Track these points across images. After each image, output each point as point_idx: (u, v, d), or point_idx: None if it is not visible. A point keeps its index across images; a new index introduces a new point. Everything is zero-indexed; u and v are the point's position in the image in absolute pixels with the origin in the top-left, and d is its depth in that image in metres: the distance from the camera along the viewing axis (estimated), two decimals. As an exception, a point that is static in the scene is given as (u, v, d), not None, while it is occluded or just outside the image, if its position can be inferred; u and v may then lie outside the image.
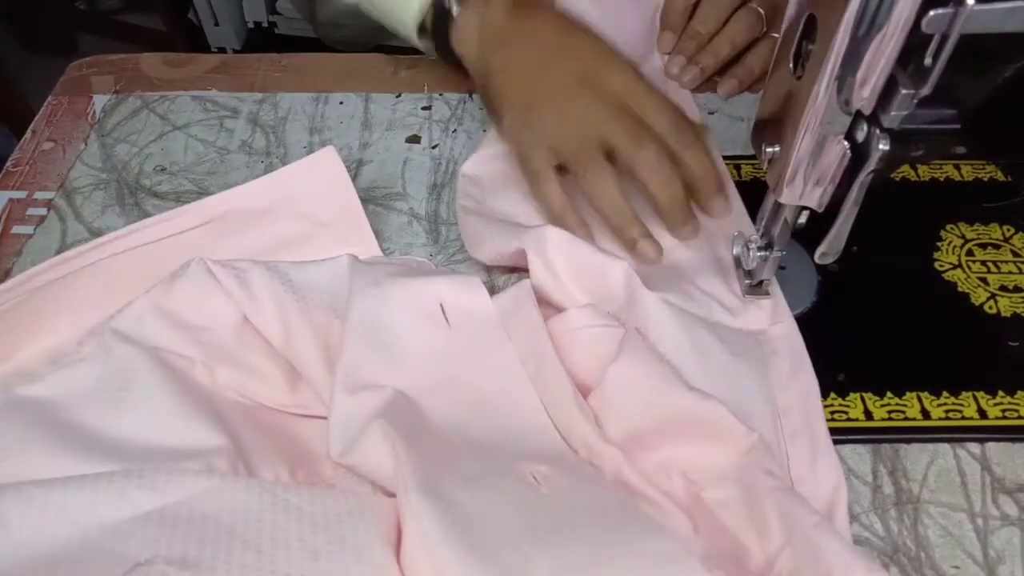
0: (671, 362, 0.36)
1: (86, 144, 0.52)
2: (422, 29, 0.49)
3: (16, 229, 0.47)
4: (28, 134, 0.53)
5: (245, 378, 0.37)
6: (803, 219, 0.37)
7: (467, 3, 0.47)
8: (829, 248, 0.35)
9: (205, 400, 0.35)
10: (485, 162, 0.47)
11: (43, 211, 0.48)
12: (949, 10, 0.25)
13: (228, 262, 0.38)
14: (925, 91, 0.28)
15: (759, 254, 0.39)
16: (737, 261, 0.42)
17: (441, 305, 0.37)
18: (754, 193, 0.40)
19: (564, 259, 0.39)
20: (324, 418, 0.34)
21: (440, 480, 0.31)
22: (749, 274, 0.41)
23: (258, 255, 0.39)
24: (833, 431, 0.36)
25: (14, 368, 0.37)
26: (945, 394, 0.38)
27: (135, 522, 0.29)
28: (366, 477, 0.33)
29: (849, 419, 0.37)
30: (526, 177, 0.44)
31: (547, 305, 0.39)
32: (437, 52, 0.50)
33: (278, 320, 0.36)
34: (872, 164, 0.30)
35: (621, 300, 0.38)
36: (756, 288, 0.41)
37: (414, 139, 0.52)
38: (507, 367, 0.36)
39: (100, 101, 0.55)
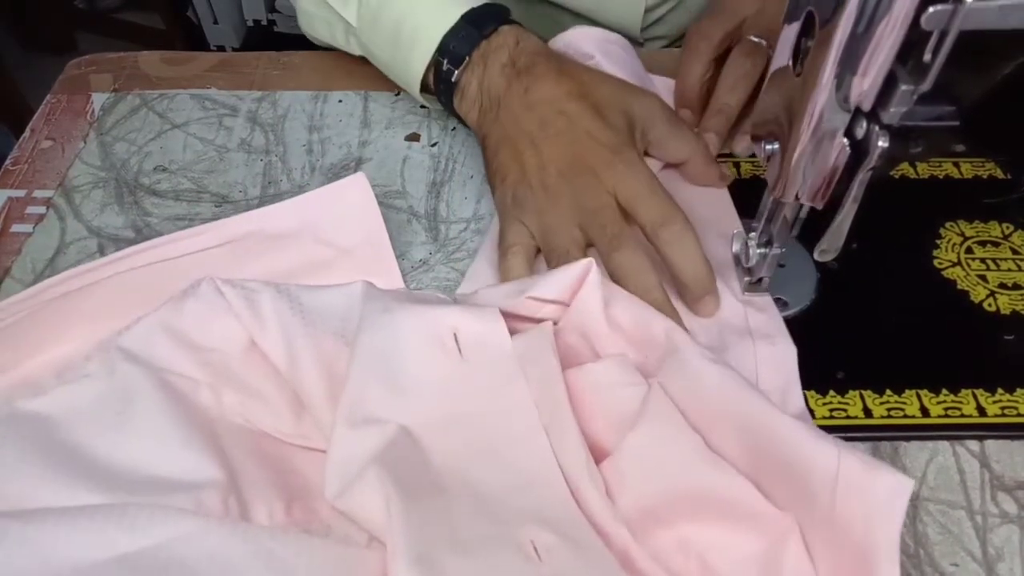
0: (700, 425, 0.32)
1: (85, 142, 0.52)
2: (426, 86, 0.48)
3: (15, 228, 0.47)
4: (27, 132, 0.53)
5: (250, 403, 0.36)
6: (803, 215, 0.37)
7: (467, 67, 0.46)
8: (829, 245, 0.35)
9: (206, 426, 0.34)
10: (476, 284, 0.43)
11: (42, 209, 0.48)
12: (948, 6, 0.25)
13: (239, 282, 0.37)
14: (925, 87, 0.27)
15: (758, 251, 0.39)
16: (736, 259, 0.42)
17: (455, 335, 0.35)
18: (753, 191, 0.40)
19: (608, 297, 0.36)
20: (325, 451, 0.33)
21: (432, 547, 0.29)
22: (748, 272, 0.41)
23: (277, 279, 0.38)
24: (832, 429, 0.36)
25: (21, 378, 0.36)
26: (944, 392, 0.38)
27: (109, 565, 0.28)
28: (359, 525, 0.32)
29: (848, 417, 0.37)
30: (499, 248, 0.43)
31: (568, 351, 0.36)
32: (446, 110, 0.49)
33: (283, 345, 0.35)
34: (872, 161, 0.30)
35: (660, 348, 0.35)
36: (755, 285, 0.41)
37: (413, 137, 0.52)
38: (520, 411, 0.33)
39: (99, 99, 0.55)
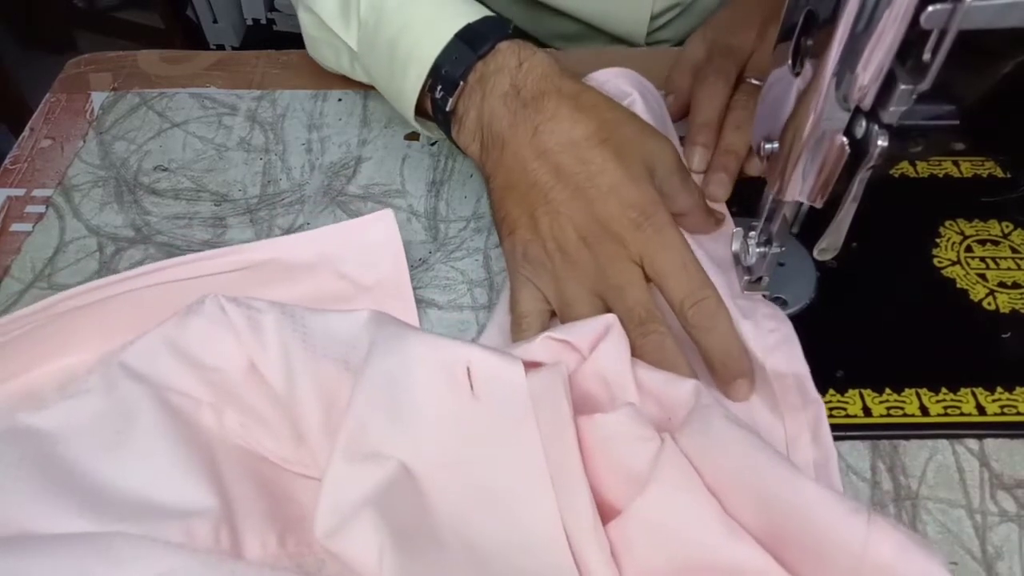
0: (718, 489, 0.29)
1: (84, 141, 0.52)
2: (425, 113, 0.44)
3: (15, 227, 0.47)
4: (26, 131, 0.53)
5: (251, 425, 0.35)
6: (802, 213, 0.37)
7: (463, 93, 0.41)
8: (829, 244, 0.35)
9: (204, 449, 0.33)
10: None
11: (42, 208, 0.48)
12: (948, 6, 0.25)
13: (244, 300, 0.35)
14: (924, 86, 0.27)
15: (758, 250, 0.39)
16: (736, 258, 0.42)
17: (468, 368, 0.33)
18: (753, 190, 0.40)
19: (633, 360, 0.34)
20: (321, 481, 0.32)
21: None
22: (748, 270, 0.41)
23: None
24: (832, 428, 0.36)
25: (25, 388, 0.36)
26: (944, 390, 0.38)
27: None
28: (348, 567, 0.30)
29: (848, 416, 0.37)
30: (511, 314, 0.39)
31: (586, 397, 0.34)
32: (449, 138, 0.44)
33: (282, 369, 0.34)
34: (871, 160, 0.30)
35: (685, 407, 0.32)
36: (755, 284, 0.41)
37: (413, 136, 0.52)
38: (529, 461, 0.31)
39: (98, 98, 0.55)
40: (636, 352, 0.35)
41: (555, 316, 0.39)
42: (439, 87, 0.41)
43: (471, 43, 0.41)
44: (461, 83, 0.40)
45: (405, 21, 0.42)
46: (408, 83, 0.42)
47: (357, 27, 0.45)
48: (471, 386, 0.32)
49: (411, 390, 0.32)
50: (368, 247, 0.41)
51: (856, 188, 0.32)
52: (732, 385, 0.36)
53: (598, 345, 0.34)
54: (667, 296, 0.36)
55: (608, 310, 0.37)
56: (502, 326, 0.40)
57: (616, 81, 0.45)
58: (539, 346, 0.34)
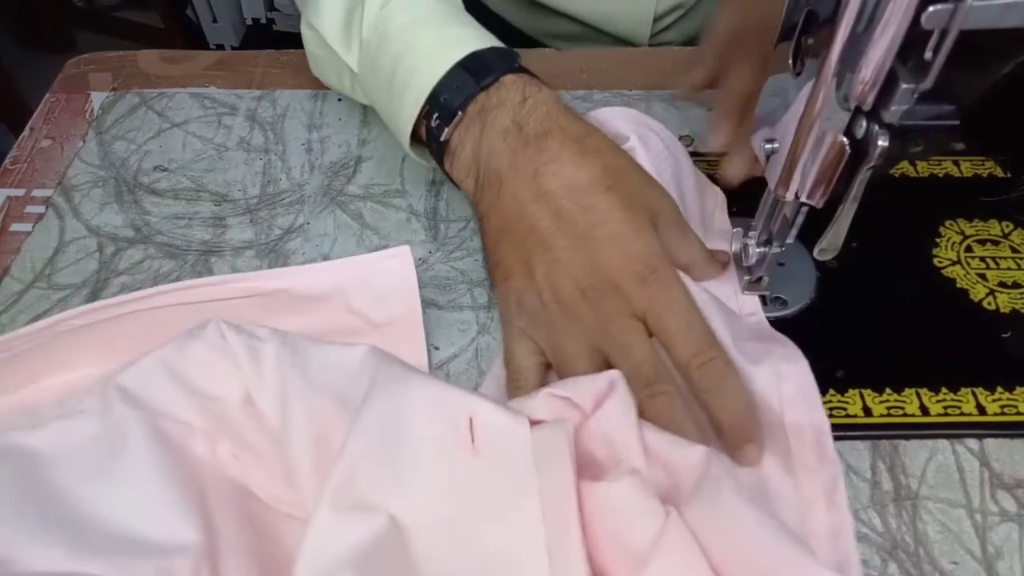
0: (722, 569, 0.28)
1: (84, 141, 0.52)
2: (421, 141, 0.43)
3: (15, 227, 0.47)
4: (26, 131, 0.53)
5: (244, 458, 0.34)
6: (803, 213, 0.37)
7: (460, 124, 0.39)
8: (829, 244, 0.35)
9: (194, 480, 0.32)
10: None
11: (41, 208, 0.48)
12: (948, 6, 0.25)
13: (246, 327, 0.34)
14: (926, 85, 0.27)
15: (758, 250, 0.39)
16: (736, 258, 0.42)
17: (471, 420, 0.31)
18: (752, 189, 0.40)
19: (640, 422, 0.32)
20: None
21: None
22: (748, 270, 0.41)
23: None
24: (832, 427, 0.36)
25: (24, 402, 0.36)
26: (944, 390, 0.38)
27: None
28: None
29: (848, 415, 0.37)
30: (506, 368, 0.37)
31: (590, 460, 0.32)
32: (441, 169, 0.42)
33: (278, 401, 0.33)
34: (872, 160, 0.30)
35: (695, 474, 0.30)
36: (755, 284, 0.41)
37: (413, 136, 0.52)
38: (526, 524, 0.29)
39: (98, 98, 0.55)
40: (643, 413, 0.33)
41: (551, 368, 0.37)
42: (436, 115, 0.39)
43: (474, 72, 0.39)
44: (460, 113, 0.39)
45: (408, 45, 0.41)
46: (405, 108, 0.40)
47: (359, 48, 0.44)
48: (472, 440, 0.30)
49: (409, 438, 0.30)
50: (383, 283, 0.39)
51: (856, 188, 0.32)
52: (742, 450, 0.33)
53: (603, 404, 0.32)
54: (673, 355, 0.34)
55: (608, 366, 0.34)
56: (500, 379, 0.38)
57: (615, 123, 0.42)
58: (541, 403, 0.32)
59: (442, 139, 0.40)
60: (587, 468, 0.30)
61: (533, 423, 0.31)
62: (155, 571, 0.28)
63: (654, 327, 0.35)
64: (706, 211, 0.44)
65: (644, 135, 0.42)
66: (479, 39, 0.40)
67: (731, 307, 0.40)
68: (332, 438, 0.31)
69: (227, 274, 0.39)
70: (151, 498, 0.31)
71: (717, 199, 0.45)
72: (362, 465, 0.30)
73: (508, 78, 0.39)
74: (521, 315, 0.37)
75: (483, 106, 0.39)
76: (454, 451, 0.30)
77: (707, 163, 0.48)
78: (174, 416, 0.34)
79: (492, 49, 0.40)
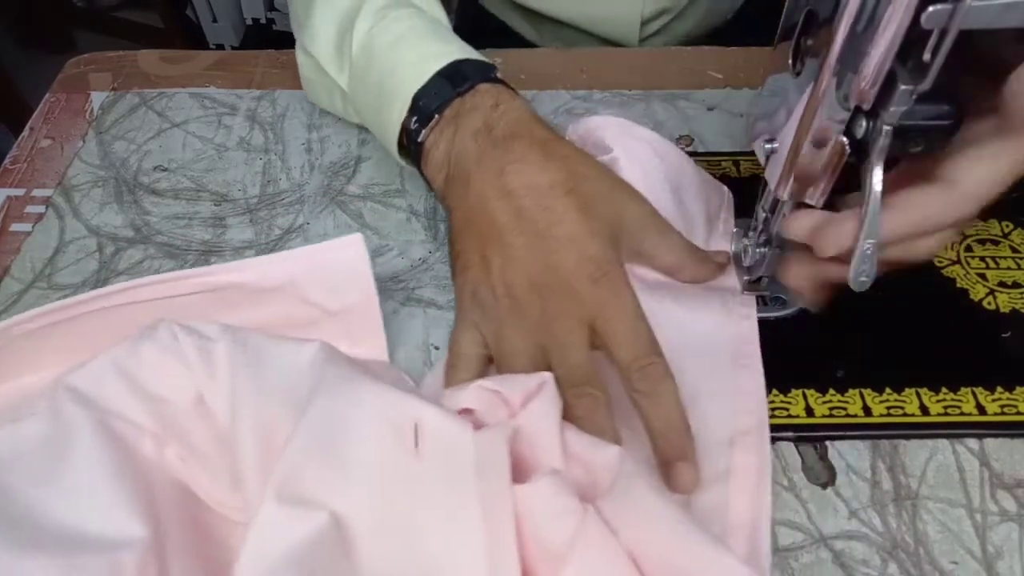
0: (638, 556, 0.28)
1: (84, 141, 0.52)
2: (403, 147, 0.44)
3: (14, 227, 0.47)
4: (26, 131, 0.53)
5: (191, 461, 0.34)
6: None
7: (436, 127, 0.41)
8: (862, 274, 0.33)
9: (142, 479, 0.32)
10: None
11: (41, 208, 0.48)
12: (948, 6, 0.25)
13: (197, 327, 0.34)
14: (924, 86, 0.28)
15: (758, 250, 0.39)
16: (736, 258, 0.42)
17: (416, 426, 0.31)
18: (753, 189, 0.40)
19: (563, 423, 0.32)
20: None
21: None
22: (748, 270, 0.41)
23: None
24: (832, 427, 0.37)
25: None
26: (944, 390, 0.38)
27: None
28: None
29: (848, 415, 0.37)
30: (448, 352, 0.38)
31: (516, 460, 0.31)
32: (420, 172, 0.44)
33: (229, 403, 0.32)
34: (875, 158, 0.30)
35: (612, 471, 0.31)
36: (755, 284, 0.41)
37: (413, 136, 0.52)
38: (466, 530, 0.29)
39: (98, 98, 0.55)
40: (567, 412, 0.33)
41: (492, 363, 0.38)
42: (414, 118, 0.41)
43: (452, 80, 0.41)
44: (436, 116, 0.41)
45: (393, 60, 0.43)
46: (392, 116, 0.42)
47: (349, 68, 0.45)
48: (416, 444, 0.31)
49: (353, 439, 0.31)
50: (336, 272, 0.39)
51: (871, 205, 0.31)
52: (674, 469, 0.33)
53: (529, 403, 0.32)
54: (615, 358, 0.35)
55: (547, 366, 0.35)
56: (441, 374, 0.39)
57: (600, 133, 0.42)
58: (471, 394, 0.33)
59: (419, 140, 0.41)
60: (513, 470, 0.30)
61: (464, 412, 0.32)
62: (103, 564, 0.28)
63: (600, 329, 0.35)
64: (711, 211, 0.44)
65: (629, 146, 0.42)
66: (460, 53, 0.42)
67: (726, 308, 0.40)
68: (280, 440, 0.31)
69: (179, 270, 0.38)
70: (100, 495, 0.31)
71: (724, 198, 0.45)
72: (306, 462, 0.30)
73: (483, 86, 0.41)
74: (474, 307, 0.38)
75: (458, 111, 0.40)
76: (397, 454, 0.31)
77: (707, 163, 0.48)
78: (124, 416, 0.33)
79: (471, 60, 0.42)
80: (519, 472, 0.30)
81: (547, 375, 0.32)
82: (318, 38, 0.47)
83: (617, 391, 0.35)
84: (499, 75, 0.43)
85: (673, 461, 0.33)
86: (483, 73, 0.42)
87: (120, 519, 0.30)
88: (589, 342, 0.35)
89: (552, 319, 0.35)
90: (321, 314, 0.39)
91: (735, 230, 0.41)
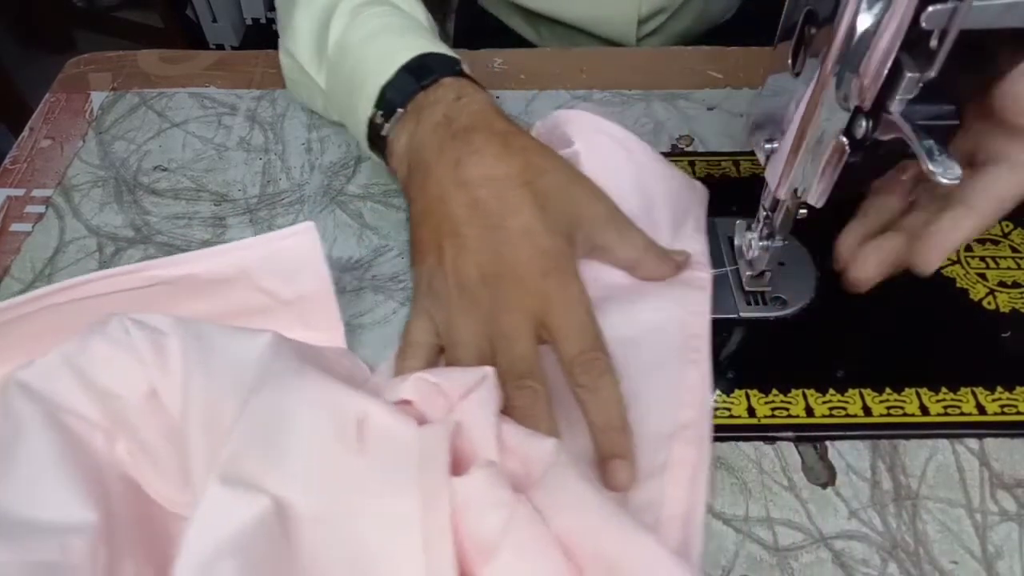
0: (568, 544, 0.29)
1: (84, 141, 0.52)
2: (372, 141, 0.44)
3: (14, 227, 0.47)
4: (26, 131, 0.53)
5: (141, 457, 0.33)
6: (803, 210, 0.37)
7: (399, 120, 0.41)
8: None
9: (93, 471, 0.32)
10: None
11: (41, 208, 0.48)
12: (948, 6, 0.25)
13: (151, 321, 0.34)
14: (930, 75, 0.27)
15: (760, 244, 0.39)
16: (739, 252, 0.42)
17: (360, 422, 0.31)
18: (753, 189, 0.40)
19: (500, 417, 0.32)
20: None
21: None
22: (750, 264, 0.41)
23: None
24: (832, 427, 0.37)
25: None
26: (944, 390, 0.38)
27: None
28: None
29: (848, 415, 0.37)
30: (401, 339, 0.39)
31: (454, 453, 0.32)
32: (387, 166, 0.44)
33: (182, 398, 0.32)
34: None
35: (544, 464, 0.31)
36: (757, 279, 0.41)
37: (413, 136, 0.52)
38: (405, 523, 0.29)
39: (98, 98, 0.55)
40: (507, 404, 0.33)
41: (443, 354, 0.38)
42: (380, 112, 0.42)
43: (416, 74, 0.41)
44: (400, 110, 0.41)
45: (363, 55, 0.43)
46: (360, 110, 0.43)
47: (326, 66, 0.46)
48: (358, 440, 0.31)
49: (293, 430, 0.31)
50: (287, 261, 0.38)
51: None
52: (610, 465, 0.33)
53: (468, 396, 0.32)
54: (560, 352, 0.35)
55: (494, 357, 0.35)
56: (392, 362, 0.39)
57: (565, 128, 0.43)
58: (410, 386, 0.33)
59: (383, 134, 0.42)
60: (451, 463, 0.31)
61: (403, 403, 0.33)
62: (54, 547, 0.28)
63: (547, 323, 0.35)
64: (680, 208, 0.44)
65: (592, 139, 0.42)
66: (427, 47, 0.43)
67: (681, 303, 0.40)
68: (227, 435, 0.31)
69: (130, 264, 0.38)
70: (50, 484, 0.31)
71: (697, 195, 0.45)
72: (248, 450, 0.30)
73: (447, 80, 0.41)
74: (428, 295, 0.38)
75: (420, 104, 0.41)
76: (338, 447, 0.31)
77: (707, 163, 0.49)
78: (75, 411, 0.33)
79: (436, 54, 0.42)
80: (457, 465, 0.31)
81: (489, 370, 0.33)
82: (298, 39, 0.47)
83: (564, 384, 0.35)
84: (466, 69, 0.43)
85: (610, 458, 0.33)
86: (447, 67, 0.42)
87: (71, 506, 0.30)
88: (535, 335, 0.35)
89: (500, 310, 0.35)
90: (275, 302, 0.39)
91: (737, 222, 0.42)
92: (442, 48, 0.43)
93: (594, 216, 0.39)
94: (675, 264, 0.41)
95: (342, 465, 0.30)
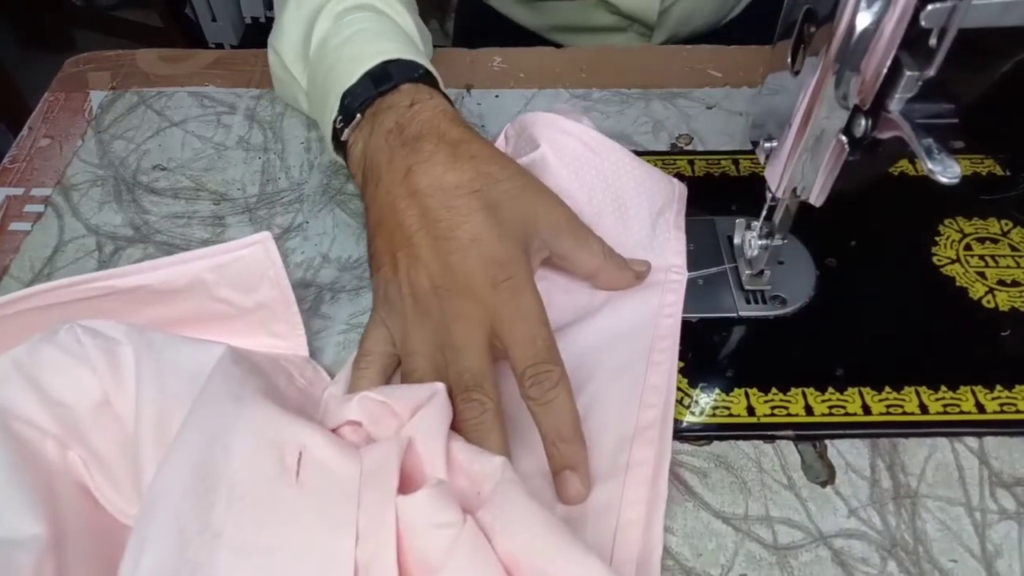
0: (511, 562, 0.29)
1: (83, 140, 0.52)
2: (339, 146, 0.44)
3: (14, 226, 0.47)
4: (25, 130, 0.53)
5: (93, 466, 0.33)
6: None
7: (356, 126, 0.41)
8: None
9: (43, 479, 0.31)
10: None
11: (40, 208, 0.48)
12: (948, 4, 0.25)
13: (104, 329, 0.33)
14: (929, 73, 0.27)
15: (760, 243, 0.39)
16: (739, 250, 0.42)
17: (300, 453, 0.30)
18: (753, 188, 0.40)
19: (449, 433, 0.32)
20: None
21: None
22: (750, 263, 0.41)
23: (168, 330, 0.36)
24: (831, 426, 0.37)
25: None
26: (943, 388, 0.38)
27: None
28: None
29: (847, 414, 0.37)
30: (358, 348, 0.38)
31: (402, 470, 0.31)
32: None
33: (134, 409, 0.32)
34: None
35: (493, 481, 0.31)
36: (757, 278, 0.41)
37: (412, 135, 0.52)
38: (340, 555, 0.29)
39: (97, 97, 0.55)
40: (456, 417, 0.33)
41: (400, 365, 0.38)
42: (340, 117, 0.42)
43: (377, 80, 0.41)
44: (358, 116, 0.41)
45: (338, 57, 0.43)
46: (326, 114, 0.43)
47: (309, 68, 0.46)
48: (297, 472, 0.30)
49: (231, 460, 0.30)
50: (245, 270, 0.38)
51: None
52: (561, 477, 0.33)
53: (420, 411, 0.32)
54: (512, 363, 0.34)
55: (446, 368, 0.35)
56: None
57: (532, 130, 0.42)
58: (356, 406, 0.32)
59: (342, 139, 0.42)
60: (400, 481, 0.30)
61: (352, 423, 0.32)
62: (3, 562, 0.28)
63: (500, 333, 0.35)
64: (655, 206, 0.43)
65: (558, 141, 0.41)
66: (395, 53, 0.42)
67: (650, 304, 0.40)
68: None
69: (84, 274, 0.37)
70: None
71: (675, 192, 0.44)
72: (181, 480, 0.29)
73: (405, 86, 0.41)
74: (384, 305, 0.38)
75: (376, 110, 0.41)
76: (273, 480, 0.30)
77: (707, 162, 0.49)
78: (25, 418, 0.33)
79: (402, 61, 0.42)
80: (405, 483, 0.30)
81: (439, 386, 0.32)
82: (285, 38, 0.48)
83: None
84: (435, 75, 0.43)
85: (562, 469, 0.33)
86: (407, 72, 0.42)
87: (17, 519, 0.29)
88: (487, 346, 0.35)
89: (451, 321, 0.35)
90: (233, 310, 0.38)
91: (737, 221, 0.42)
92: (413, 55, 0.43)
93: (550, 224, 0.38)
94: (635, 274, 0.41)
95: (276, 498, 0.30)
